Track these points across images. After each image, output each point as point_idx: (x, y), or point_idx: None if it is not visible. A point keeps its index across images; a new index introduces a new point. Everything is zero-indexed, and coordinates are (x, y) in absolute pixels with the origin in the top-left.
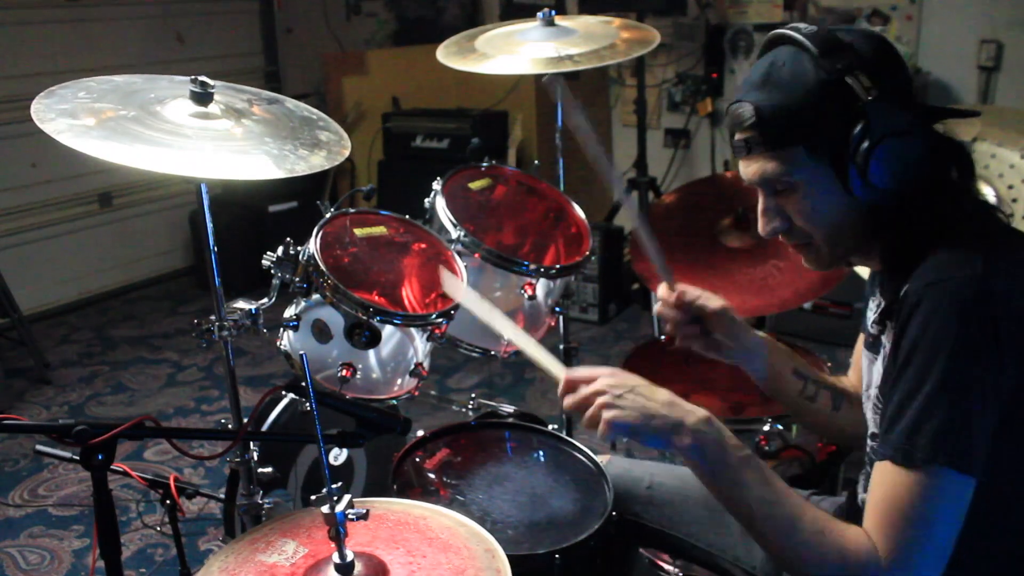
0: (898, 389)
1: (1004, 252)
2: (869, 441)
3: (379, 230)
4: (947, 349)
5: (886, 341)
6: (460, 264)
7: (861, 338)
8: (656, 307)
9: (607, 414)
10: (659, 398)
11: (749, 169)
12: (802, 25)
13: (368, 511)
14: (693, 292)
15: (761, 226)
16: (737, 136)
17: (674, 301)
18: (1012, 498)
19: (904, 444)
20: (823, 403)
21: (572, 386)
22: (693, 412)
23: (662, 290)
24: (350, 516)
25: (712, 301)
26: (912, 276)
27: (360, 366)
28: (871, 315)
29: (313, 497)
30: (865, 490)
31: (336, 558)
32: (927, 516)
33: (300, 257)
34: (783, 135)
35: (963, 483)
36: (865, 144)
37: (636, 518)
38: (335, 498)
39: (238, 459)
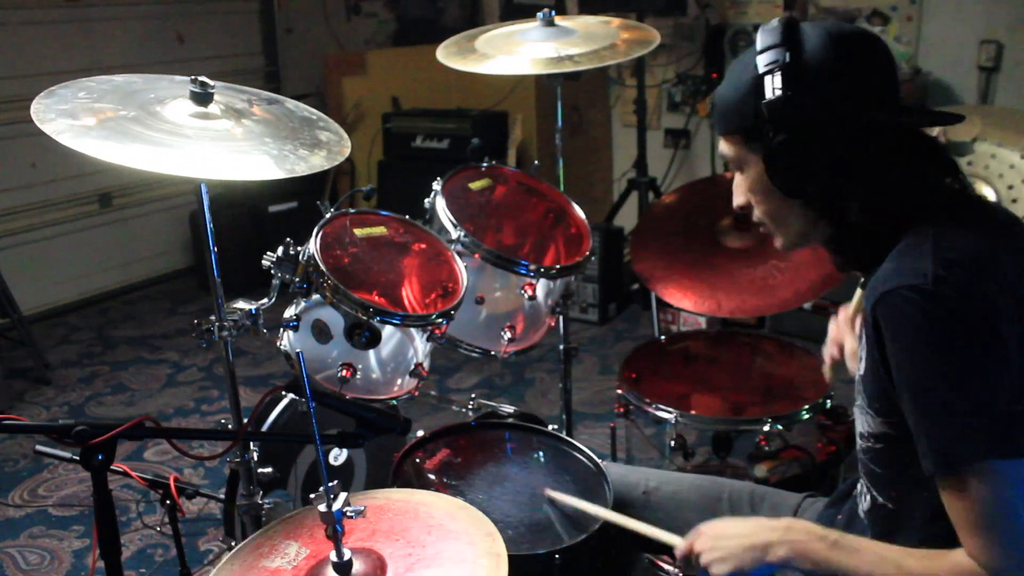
0: (910, 411)
1: (963, 242)
2: (859, 441)
3: (379, 230)
4: (929, 359)
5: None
6: (460, 264)
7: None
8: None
9: (715, 570)
10: (745, 531)
11: (720, 148)
12: (777, 19)
13: (365, 508)
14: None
15: (733, 200)
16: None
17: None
18: None
19: (942, 456)
20: None
21: (684, 555)
22: (775, 528)
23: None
24: (347, 514)
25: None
26: (869, 283)
27: (360, 366)
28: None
29: (312, 496)
30: (868, 489)
31: (334, 557)
32: (1002, 513)
33: (300, 257)
34: (723, 123)
35: (1015, 467)
36: (774, 141)
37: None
38: (332, 496)
39: (238, 459)
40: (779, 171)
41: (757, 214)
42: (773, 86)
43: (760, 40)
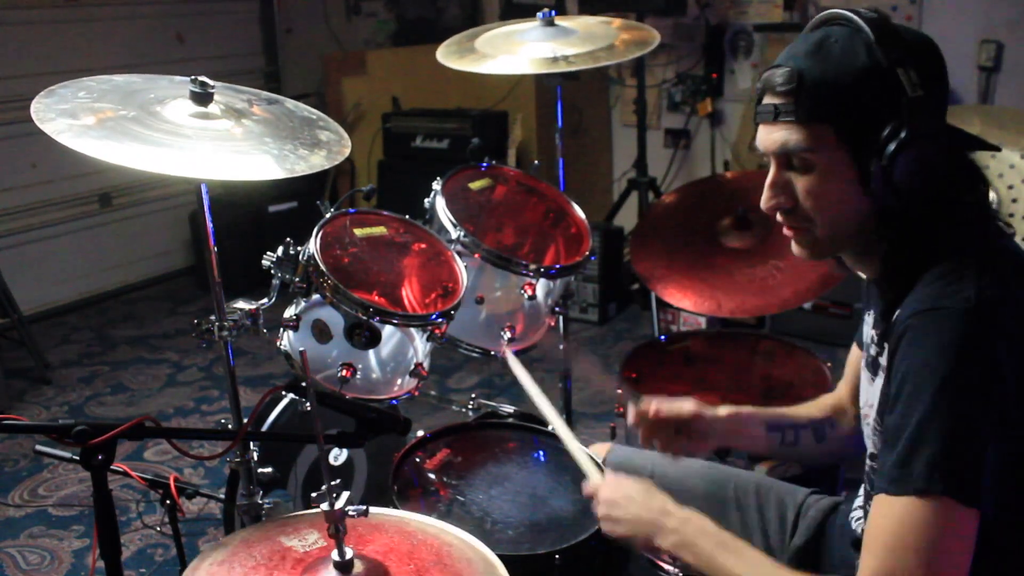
0: (892, 421)
1: (1003, 277)
2: (868, 461)
3: (379, 230)
4: (938, 379)
5: (883, 362)
6: (460, 264)
7: (853, 350)
8: (633, 425)
9: (603, 526)
10: (647, 506)
11: (770, 136)
12: (861, 9)
13: (366, 508)
14: (665, 405)
15: (765, 199)
16: (768, 99)
17: (652, 417)
18: (1018, 542)
19: (898, 474)
20: (806, 442)
21: (591, 495)
22: (673, 515)
23: (632, 413)
24: (350, 513)
25: (684, 406)
26: (903, 302)
27: (360, 366)
28: (867, 329)
29: (313, 495)
30: (865, 503)
31: (335, 555)
32: (924, 547)
33: (300, 257)
34: (818, 109)
35: (965, 516)
36: (895, 141)
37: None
38: (334, 496)
39: (238, 459)
40: (895, 178)
41: (800, 217)
42: (912, 81)
43: (871, 28)
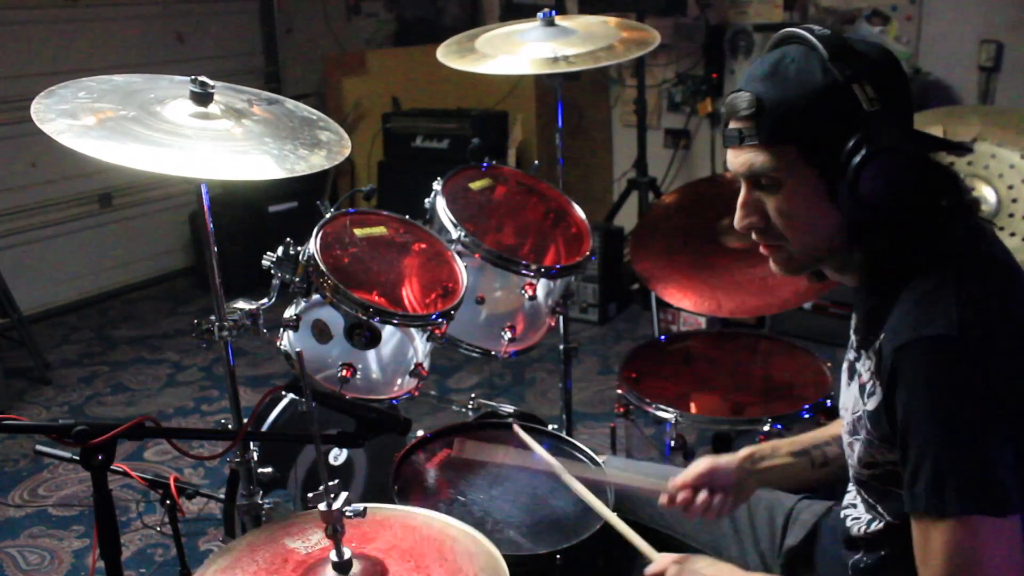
0: (910, 453)
1: (985, 288)
2: (855, 465)
3: (379, 230)
4: (941, 410)
5: (861, 370)
6: (460, 264)
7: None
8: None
9: None
10: (723, 573)
11: (738, 159)
12: (815, 27)
13: (365, 509)
14: (678, 479)
15: (737, 219)
16: (732, 124)
17: (683, 493)
18: None
19: (933, 499)
20: (835, 456)
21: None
22: None
23: (664, 498)
24: (347, 513)
25: (696, 468)
26: (885, 325)
27: (360, 366)
28: (853, 336)
29: (311, 495)
30: (868, 513)
31: (333, 556)
32: (980, 564)
33: (300, 257)
34: (779, 130)
35: (1004, 526)
36: (857, 156)
37: (632, 517)
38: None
39: (238, 459)
40: (860, 192)
41: (773, 234)
42: (868, 96)
43: (824, 45)
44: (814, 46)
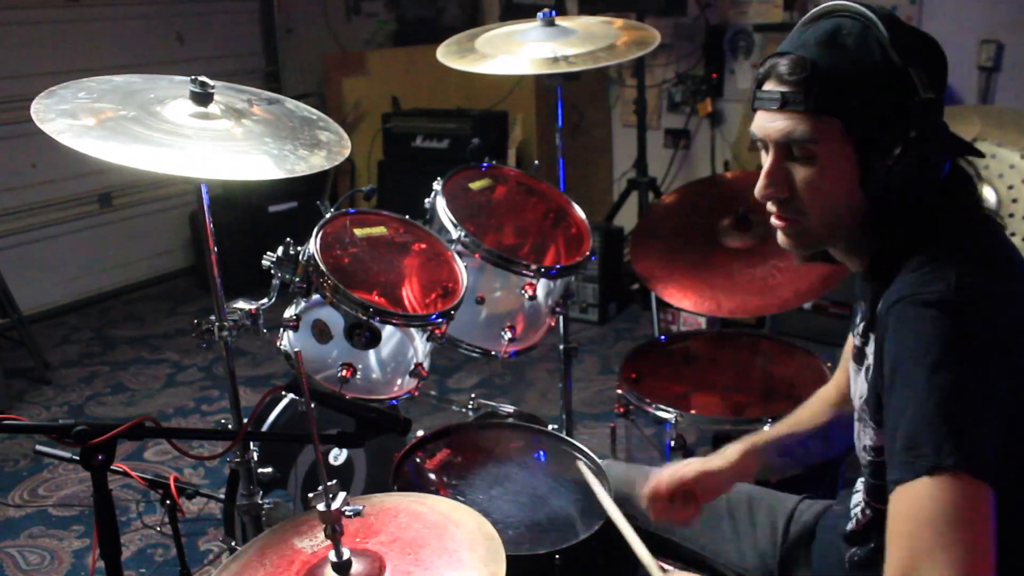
0: (891, 411)
1: (983, 265)
2: (863, 454)
3: (379, 230)
4: (929, 362)
5: (869, 354)
6: (460, 264)
7: (849, 339)
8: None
9: None
10: None
11: (774, 124)
12: (872, 4)
13: (363, 508)
14: (666, 478)
15: (760, 186)
16: (773, 86)
17: (660, 495)
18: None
19: (906, 457)
20: (815, 450)
21: None
22: None
23: (643, 498)
24: (346, 513)
25: (686, 472)
26: (885, 292)
27: (360, 366)
28: (859, 322)
29: (310, 495)
30: (866, 498)
31: (332, 556)
32: (944, 523)
33: (300, 257)
34: (829, 101)
35: (980, 490)
36: (905, 142)
37: (632, 520)
38: (331, 496)
39: (238, 459)
40: (896, 178)
41: (794, 208)
42: (923, 83)
43: (885, 26)
44: (873, 23)
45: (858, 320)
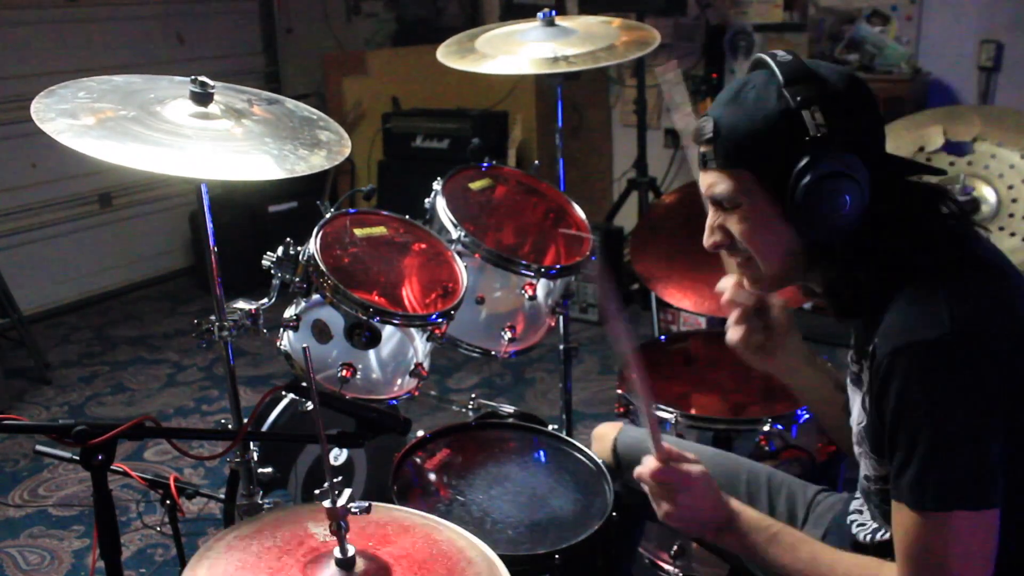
0: (897, 450)
1: (973, 288)
2: (862, 481)
3: (379, 230)
4: (932, 414)
5: (865, 380)
6: (460, 264)
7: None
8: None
9: (660, 509)
10: (701, 506)
11: (704, 182)
12: (780, 52)
13: (369, 505)
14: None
15: (705, 239)
16: (700, 148)
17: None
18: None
19: (915, 494)
20: (835, 414)
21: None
22: (723, 509)
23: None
24: (352, 510)
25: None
26: (878, 331)
27: (360, 366)
28: (852, 343)
29: (316, 492)
30: (872, 521)
31: (337, 552)
32: (948, 557)
33: (300, 257)
34: (734, 155)
35: (980, 518)
36: (803, 180)
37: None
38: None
39: (238, 459)
40: (808, 215)
41: (738, 256)
42: (816, 122)
43: (782, 71)
44: (773, 72)
45: (852, 342)
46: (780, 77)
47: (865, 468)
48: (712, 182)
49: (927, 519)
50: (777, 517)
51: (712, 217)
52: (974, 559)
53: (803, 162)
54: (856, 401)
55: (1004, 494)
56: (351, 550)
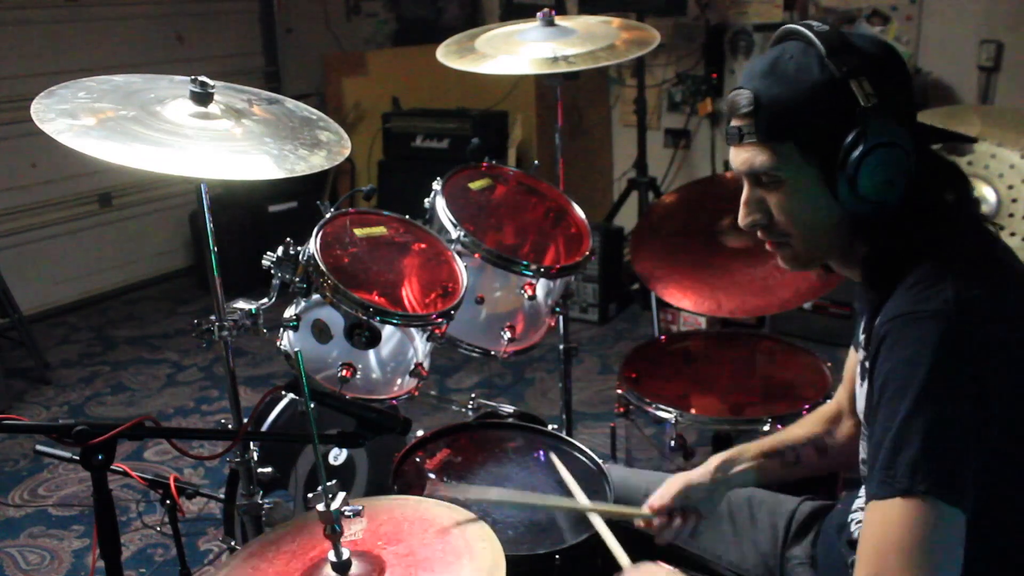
0: (877, 427)
1: (983, 279)
2: (861, 466)
3: (379, 230)
4: (917, 381)
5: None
6: (460, 264)
7: (851, 353)
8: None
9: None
10: None
11: (739, 157)
12: (815, 23)
13: (363, 508)
14: (654, 500)
15: (741, 217)
16: (733, 122)
17: (658, 519)
18: (1004, 544)
19: (883, 476)
20: (807, 459)
21: None
22: None
23: (641, 523)
24: (345, 513)
25: (668, 490)
26: (883, 307)
27: (360, 366)
28: (860, 336)
29: (310, 495)
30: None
31: (332, 556)
32: (910, 546)
33: (300, 257)
34: (777, 128)
35: (951, 515)
36: (856, 151)
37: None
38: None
39: (238, 459)
40: (859, 188)
41: (777, 232)
42: (865, 91)
43: (822, 42)
44: (812, 42)
45: (860, 332)
46: (821, 47)
47: (864, 452)
48: (750, 156)
49: (896, 505)
50: (759, 533)
51: (747, 194)
52: (944, 560)
53: (854, 133)
54: (861, 393)
55: (977, 509)
56: (345, 553)
